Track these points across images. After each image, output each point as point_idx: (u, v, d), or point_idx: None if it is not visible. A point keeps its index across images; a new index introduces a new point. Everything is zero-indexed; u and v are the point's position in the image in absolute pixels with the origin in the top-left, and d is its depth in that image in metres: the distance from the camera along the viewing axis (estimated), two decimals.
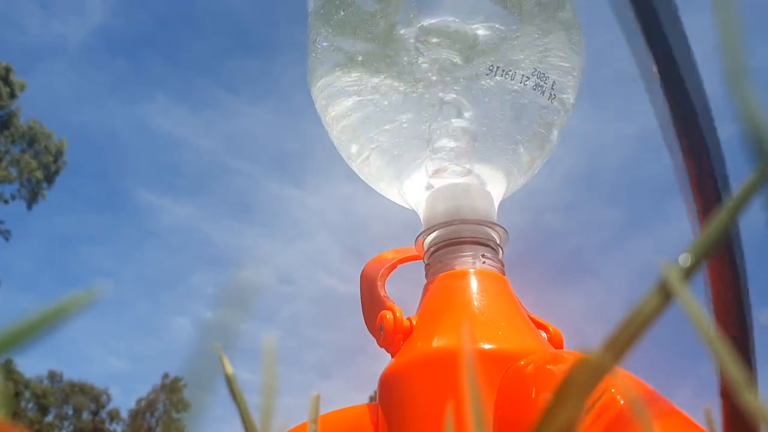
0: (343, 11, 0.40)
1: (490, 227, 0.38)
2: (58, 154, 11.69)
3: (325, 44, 0.41)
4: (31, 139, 11.64)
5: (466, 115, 0.38)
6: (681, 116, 0.21)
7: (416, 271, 0.41)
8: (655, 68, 0.20)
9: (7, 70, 10.91)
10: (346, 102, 0.40)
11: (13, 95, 11.16)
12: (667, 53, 0.20)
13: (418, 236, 0.40)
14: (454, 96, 0.38)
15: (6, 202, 11.56)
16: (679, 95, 0.20)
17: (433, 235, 0.39)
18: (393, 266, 0.42)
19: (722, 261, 0.22)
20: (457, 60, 0.38)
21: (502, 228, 0.39)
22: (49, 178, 11.61)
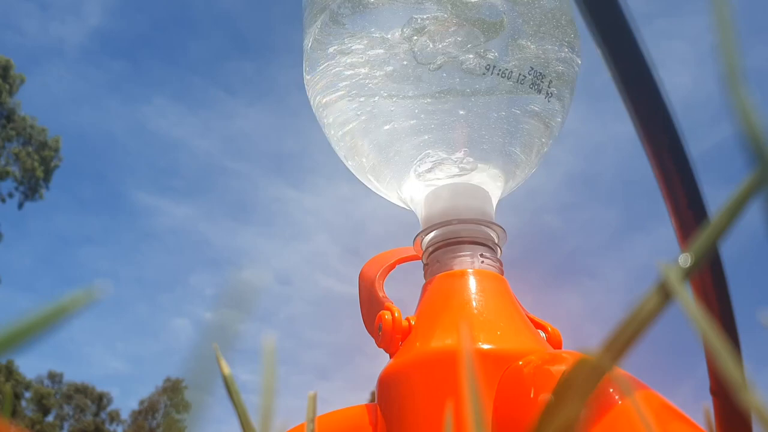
0: (339, 13, 0.40)
1: (488, 226, 0.38)
2: (54, 151, 11.68)
3: (321, 45, 0.41)
4: (28, 136, 11.62)
5: (463, 113, 0.38)
6: (647, 137, 0.21)
7: (415, 271, 0.41)
8: (617, 86, 0.20)
9: (6, 67, 10.89)
10: (343, 103, 0.40)
11: (11, 91, 11.14)
12: (625, 69, 0.20)
13: (416, 236, 0.40)
14: (451, 94, 0.38)
15: (3, 201, 11.55)
16: (643, 113, 0.21)
17: (432, 234, 0.39)
18: (392, 266, 0.42)
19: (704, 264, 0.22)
20: (454, 58, 0.38)
21: (500, 227, 0.39)
22: (46, 176, 11.59)
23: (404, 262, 0.43)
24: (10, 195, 11.58)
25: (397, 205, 0.43)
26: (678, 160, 0.21)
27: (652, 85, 0.20)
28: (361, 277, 0.42)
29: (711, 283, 0.22)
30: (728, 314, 0.22)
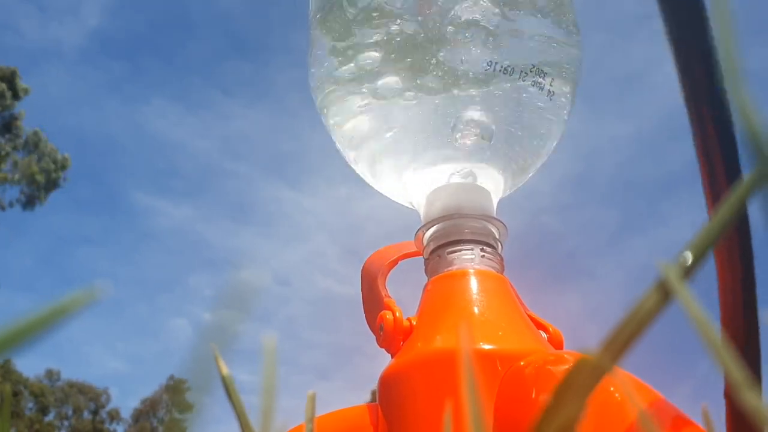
0: (344, 15, 0.40)
1: (489, 221, 0.38)
2: (62, 168, 11.70)
3: (326, 47, 0.41)
4: (34, 146, 11.65)
5: (465, 111, 0.38)
6: (694, 109, 0.21)
7: (416, 272, 0.41)
8: (672, 56, 0.20)
9: (13, 74, 10.94)
10: (347, 100, 0.40)
11: (16, 96, 11.16)
12: (684, 40, 0.20)
13: (417, 231, 0.39)
14: (453, 92, 0.38)
15: (3, 208, 11.56)
16: (692, 86, 0.20)
17: (433, 229, 0.39)
18: (394, 262, 0.42)
19: (731, 259, 0.22)
20: (456, 57, 0.38)
21: (501, 222, 0.39)
22: (48, 187, 11.61)
23: (407, 257, 0.42)
24: (11, 204, 11.60)
25: (397, 206, 0.43)
26: (721, 129, 0.20)
27: (708, 50, 0.20)
28: (364, 273, 0.42)
29: (739, 278, 0.21)
30: (752, 315, 0.22)
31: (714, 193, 0.22)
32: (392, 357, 0.36)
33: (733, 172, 0.21)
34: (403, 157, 0.40)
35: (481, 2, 0.38)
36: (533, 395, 0.29)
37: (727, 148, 0.21)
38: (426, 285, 0.38)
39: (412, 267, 0.42)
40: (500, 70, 0.38)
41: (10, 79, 10.94)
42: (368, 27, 0.39)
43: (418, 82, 0.38)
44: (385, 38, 0.38)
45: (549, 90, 0.39)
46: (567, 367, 0.25)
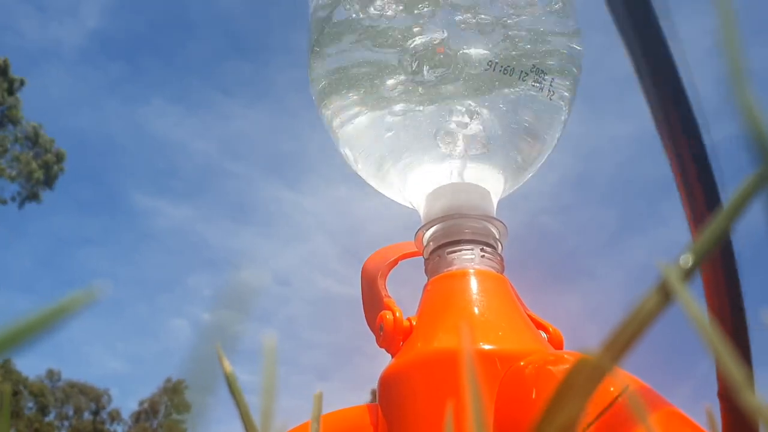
0: (344, 11, 0.40)
1: (488, 221, 0.38)
2: (59, 161, 11.65)
3: (326, 49, 0.41)
4: (33, 141, 11.60)
5: (465, 111, 0.38)
6: (665, 122, 0.21)
7: (416, 272, 0.41)
8: (635, 72, 0.20)
9: (5, 63, 10.86)
10: (350, 104, 0.40)
11: (10, 88, 11.08)
12: (649, 57, 0.20)
13: (417, 231, 0.39)
14: (453, 92, 0.38)
15: (5, 202, 11.50)
16: (662, 101, 0.20)
17: (433, 229, 0.39)
18: (394, 263, 0.42)
19: (716, 260, 0.22)
20: (456, 57, 0.38)
21: (501, 222, 0.39)
22: (49, 182, 11.56)
23: (407, 257, 0.42)
24: (13, 198, 11.54)
25: (398, 205, 0.43)
26: (695, 150, 0.21)
27: (673, 76, 0.20)
28: (364, 273, 0.42)
29: (723, 281, 0.22)
30: (740, 315, 0.22)
31: (695, 215, 0.22)
32: (392, 357, 0.36)
33: (712, 196, 0.21)
34: (403, 158, 0.40)
35: (482, 3, 0.38)
36: (533, 395, 0.29)
37: (704, 170, 0.21)
38: (426, 285, 0.38)
39: (412, 267, 0.42)
40: (500, 71, 0.38)
41: (2, 69, 10.85)
42: (365, 27, 0.39)
43: (419, 82, 0.38)
44: (385, 39, 0.38)
45: (549, 90, 0.39)
46: (567, 367, 0.25)
